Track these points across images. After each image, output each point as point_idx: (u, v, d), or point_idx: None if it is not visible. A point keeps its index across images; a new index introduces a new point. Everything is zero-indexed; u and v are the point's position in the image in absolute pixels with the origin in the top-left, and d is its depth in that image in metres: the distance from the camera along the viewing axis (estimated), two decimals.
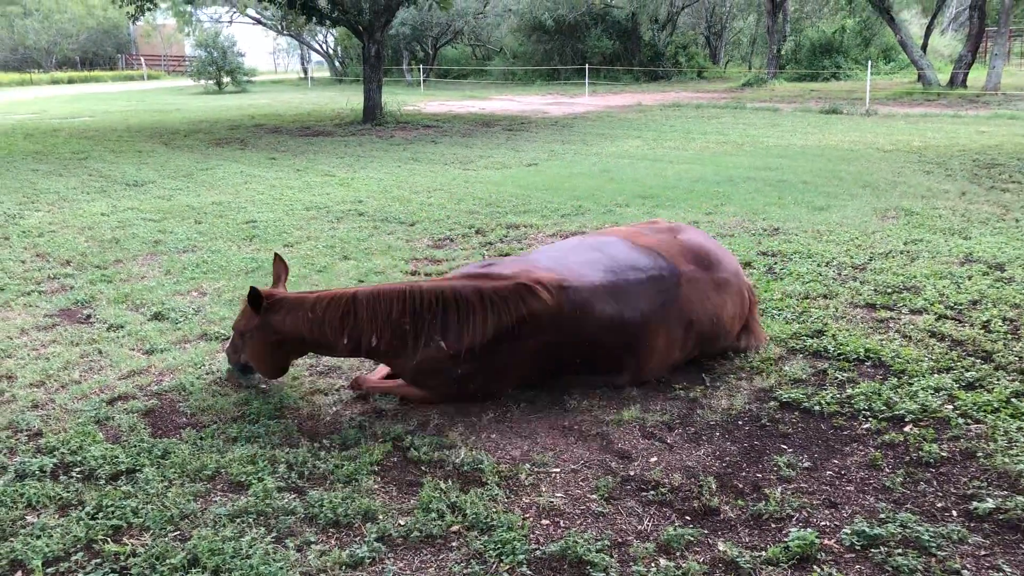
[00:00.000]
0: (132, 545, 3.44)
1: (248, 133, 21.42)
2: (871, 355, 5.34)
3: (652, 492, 3.80)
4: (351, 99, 29.15)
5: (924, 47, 37.16)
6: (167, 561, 3.30)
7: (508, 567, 3.25)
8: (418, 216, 10.22)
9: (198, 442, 4.33)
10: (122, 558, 3.35)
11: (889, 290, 6.69)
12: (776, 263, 7.62)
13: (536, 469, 4.02)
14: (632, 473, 3.98)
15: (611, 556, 3.32)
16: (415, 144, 18.55)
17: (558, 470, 4.03)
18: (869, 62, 30.80)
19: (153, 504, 3.72)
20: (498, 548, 3.35)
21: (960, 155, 14.57)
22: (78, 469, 4.06)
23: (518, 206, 10.71)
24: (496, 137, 19.82)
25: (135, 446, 4.27)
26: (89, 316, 6.56)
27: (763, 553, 3.31)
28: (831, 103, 26.09)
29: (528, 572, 3.22)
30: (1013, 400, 4.62)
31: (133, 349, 5.78)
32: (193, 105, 33.67)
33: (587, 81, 38.73)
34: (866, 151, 15.54)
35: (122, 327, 6.22)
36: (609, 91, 38.59)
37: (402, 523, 3.57)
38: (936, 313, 6.11)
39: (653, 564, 3.26)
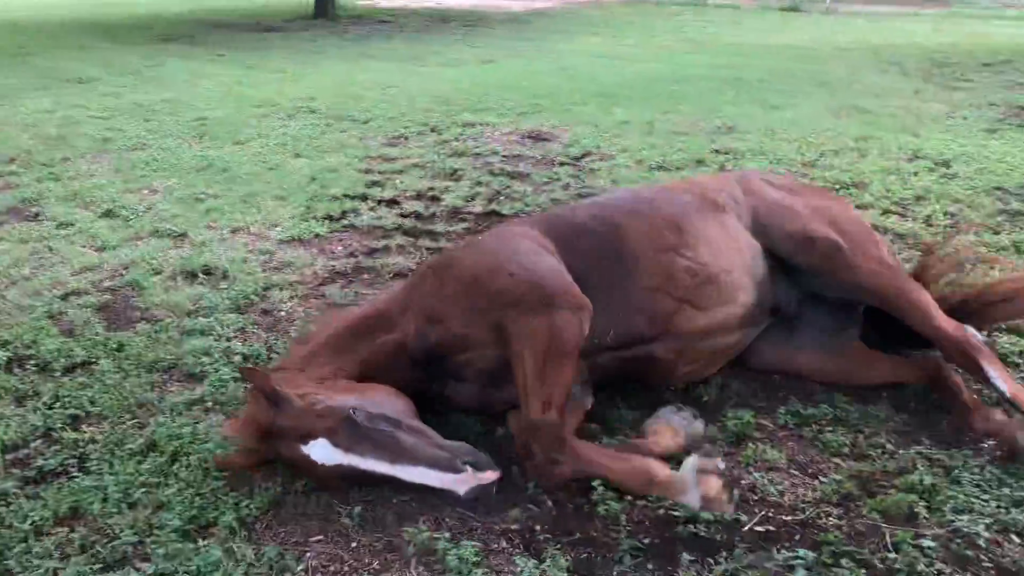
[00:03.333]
0: (90, 432, 3.52)
1: (196, 28, 20.71)
2: None
3: None
4: None
5: None
6: (126, 446, 3.38)
7: None
8: (372, 113, 10.07)
9: (153, 335, 4.37)
10: (81, 445, 3.43)
11: (837, 186, 6.81)
12: (728, 160, 7.68)
13: None
14: None
15: None
16: (369, 40, 18.11)
17: None
18: None
19: (110, 394, 3.78)
20: None
21: (916, 54, 14.60)
22: (33, 362, 4.10)
23: (474, 104, 10.59)
24: (452, 33, 19.40)
25: (90, 339, 4.30)
26: (38, 214, 6.47)
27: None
28: (792, 1, 25.82)
29: None
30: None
31: (84, 246, 5.74)
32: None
33: None
34: (824, 49, 15.51)
35: (72, 224, 6.16)
36: None
37: None
38: (881, 208, 6.25)
39: None
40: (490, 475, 2.88)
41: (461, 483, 2.85)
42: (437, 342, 3.32)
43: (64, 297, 4.89)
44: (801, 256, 3.77)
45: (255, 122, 9.69)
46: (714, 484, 2.96)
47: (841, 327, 3.91)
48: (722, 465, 3.05)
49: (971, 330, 3.60)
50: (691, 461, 3.01)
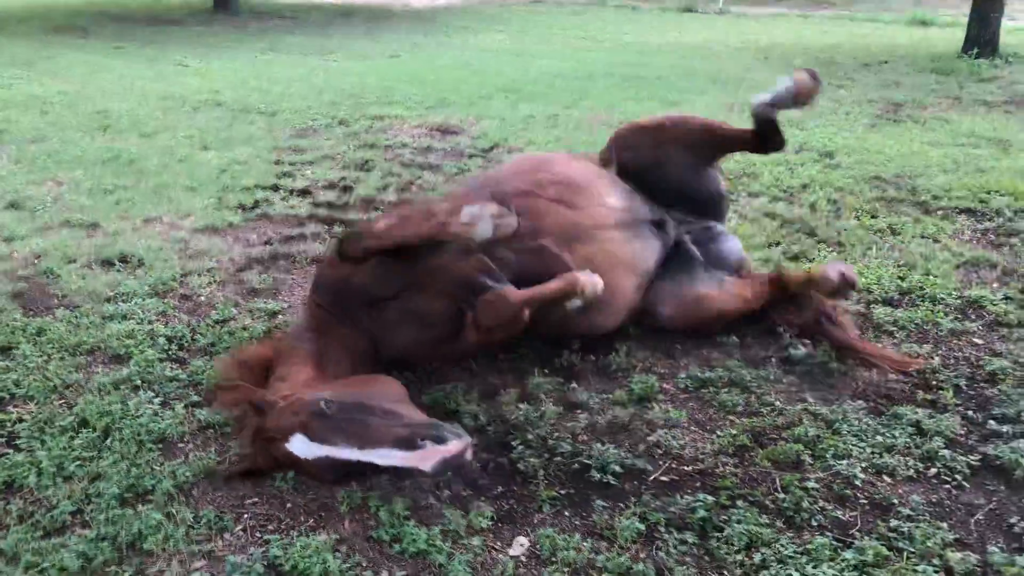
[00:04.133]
0: (18, 413, 3.57)
1: (90, 20, 20.09)
2: None
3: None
4: None
5: None
6: (56, 424, 3.45)
7: None
8: (279, 106, 10.08)
9: (73, 320, 4.40)
10: (8, 425, 3.48)
11: (730, 176, 7.21)
12: None
13: None
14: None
15: (478, 406, 3.69)
16: (271, 34, 17.94)
17: None
18: None
19: (34, 376, 3.83)
20: None
21: (803, 53, 15.34)
22: None
23: (382, 97, 10.70)
24: (356, 28, 19.38)
25: (7, 325, 4.31)
26: None
27: (610, 396, 3.77)
28: (687, 2, 26.64)
29: None
30: None
31: None
32: None
33: None
34: (718, 49, 16.14)
35: None
36: None
37: None
38: (770, 196, 6.69)
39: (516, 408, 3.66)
40: (453, 446, 2.81)
41: (423, 459, 2.80)
42: (327, 283, 3.74)
43: None
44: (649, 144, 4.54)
45: (160, 115, 9.58)
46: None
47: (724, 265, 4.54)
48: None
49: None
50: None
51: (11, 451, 3.31)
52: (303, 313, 3.78)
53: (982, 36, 14.01)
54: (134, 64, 13.47)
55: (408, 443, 2.84)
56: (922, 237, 5.76)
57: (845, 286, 4.15)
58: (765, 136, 4.60)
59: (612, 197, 4.23)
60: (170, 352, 4.11)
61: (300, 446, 2.95)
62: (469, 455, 2.86)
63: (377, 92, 11.06)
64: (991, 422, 3.58)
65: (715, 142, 4.69)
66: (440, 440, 2.83)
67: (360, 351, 3.60)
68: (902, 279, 5.04)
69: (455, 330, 3.67)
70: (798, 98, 4.34)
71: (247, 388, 3.14)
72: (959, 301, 4.77)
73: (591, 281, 3.54)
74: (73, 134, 8.63)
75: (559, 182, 4.11)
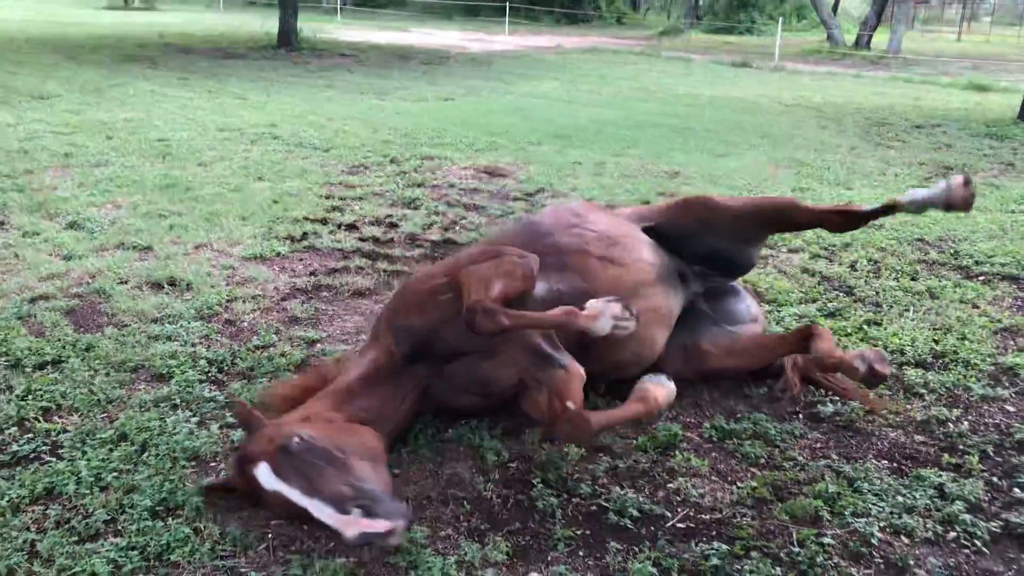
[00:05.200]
0: (62, 423, 3.73)
1: (158, 52, 20.86)
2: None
3: None
4: (265, 23, 28.49)
5: (835, 8, 38.25)
6: (97, 436, 3.60)
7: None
8: (333, 143, 10.37)
9: (120, 338, 4.58)
10: (53, 434, 3.64)
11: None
12: None
13: None
14: None
15: (501, 443, 3.76)
16: (331, 72, 18.45)
17: None
18: (781, 19, 31.62)
19: (80, 389, 3.99)
20: None
21: (855, 113, 15.37)
22: (4, 358, 4.29)
23: (433, 138, 10.95)
24: (413, 70, 19.84)
25: (59, 340, 4.50)
26: (3, 223, 6.62)
27: (634, 441, 3.82)
28: (743, 57, 26.82)
29: (426, 452, 3.65)
30: (864, 327, 5.23)
31: (51, 255, 5.92)
32: (97, 20, 32.31)
33: (507, 19, 38.62)
34: (770, 104, 16.23)
35: (38, 234, 6.33)
36: (528, 31, 38.58)
37: None
38: (811, 253, 6.71)
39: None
40: (380, 524, 2.64)
41: (346, 525, 2.67)
42: (412, 332, 3.58)
43: (32, 301, 5.07)
44: (680, 216, 4.48)
45: (218, 145, 9.92)
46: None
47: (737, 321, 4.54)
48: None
49: None
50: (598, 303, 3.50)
51: (54, 459, 3.46)
52: (369, 351, 3.67)
53: None
54: (196, 95, 13.96)
55: (340, 504, 2.74)
56: (961, 302, 5.73)
57: (874, 377, 3.90)
58: (860, 220, 4.48)
59: (646, 249, 4.27)
60: (210, 374, 4.25)
61: (264, 475, 2.90)
62: (395, 540, 2.68)
63: (429, 133, 11.32)
64: (1016, 490, 3.56)
65: (781, 221, 4.65)
66: (370, 513, 2.69)
67: (409, 399, 3.58)
68: (936, 342, 5.02)
69: (511, 398, 3.70)
70: (950, 204, 4.10)
71: (243, 404, 3.19)
72: (993, 367, 4.74)
73: (666, 393, 3.72)
74: (134, 160, 8.98)
75: (601, 237, 4.12)
